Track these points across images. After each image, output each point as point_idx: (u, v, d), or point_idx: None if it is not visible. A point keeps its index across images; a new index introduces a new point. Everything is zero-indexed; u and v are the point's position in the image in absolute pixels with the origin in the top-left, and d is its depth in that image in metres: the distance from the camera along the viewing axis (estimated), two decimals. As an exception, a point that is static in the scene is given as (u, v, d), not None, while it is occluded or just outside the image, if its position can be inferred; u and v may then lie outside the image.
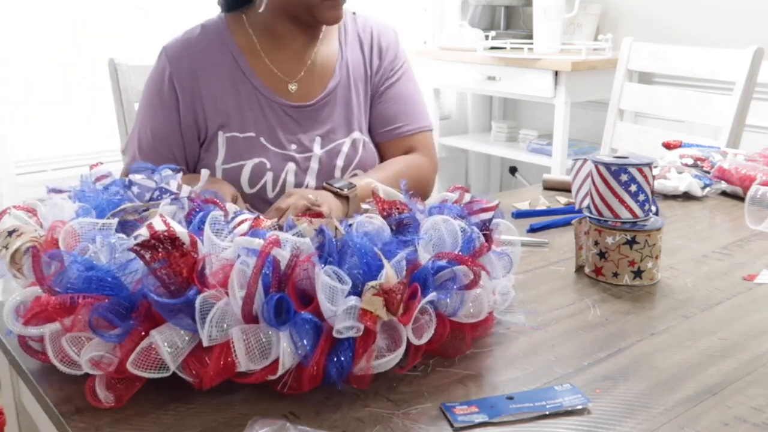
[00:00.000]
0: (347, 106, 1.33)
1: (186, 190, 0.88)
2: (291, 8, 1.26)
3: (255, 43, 1.31)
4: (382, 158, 1.38)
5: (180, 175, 0.92)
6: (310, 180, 1.28)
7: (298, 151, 1.28)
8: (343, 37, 1.37)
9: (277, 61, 1.32)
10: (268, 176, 1.26)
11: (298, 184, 1.27)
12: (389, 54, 1.39)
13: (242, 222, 0.75)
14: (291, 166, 1.27)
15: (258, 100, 1.28)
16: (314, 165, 1.29)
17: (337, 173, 1.30)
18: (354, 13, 1.41)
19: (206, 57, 1.29)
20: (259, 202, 1.26)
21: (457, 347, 0.75)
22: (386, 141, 1.37)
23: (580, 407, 0.65)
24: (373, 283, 0.65)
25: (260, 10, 1.27)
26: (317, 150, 1.29)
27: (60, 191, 0.86)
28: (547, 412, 0.65)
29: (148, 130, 1.28)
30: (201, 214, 0.75)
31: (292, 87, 1.31)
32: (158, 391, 0.66)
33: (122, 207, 0.80)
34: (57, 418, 0.65)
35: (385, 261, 0.66)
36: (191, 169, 1.30)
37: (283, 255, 0.65)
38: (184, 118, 1.27)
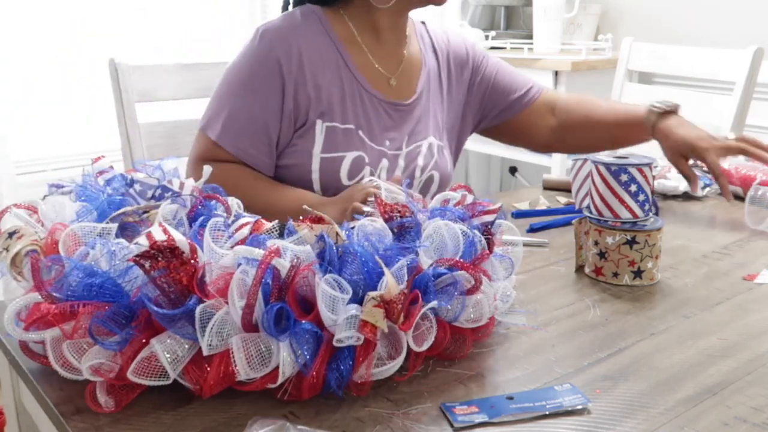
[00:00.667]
0: (428, 110, 1.36)
1: (188, 187, 0.88)
2: None
3: (356, 36, 1.30)
4: (528, 131, 1.43)
5: (179, 169, 0.92)
6: (397, 175, 1.29)
7: (390, 148, 1.29)
8: (421, 43, 1.40)
9: (377, 56, 1.33)
10: (366, 171, 1.26)
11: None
12: (470, 54, 1.44)
13: (243, 226, 0.75)
14: (384, 163, 1.28)
15: (360, 93, 1.28)
16: (401, 163, 1.31)
17: (417, 173, 1.32)
18: (423, 23, 1.44)
19: (311, 44, 1.26)
20: None
21: (456, 351, 0.75)
22: (523, 110, 1.42)
23: (580, 407, 0.65)
24: (373, 294, 0.65)
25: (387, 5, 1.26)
26: (404, 148, 1.31)
27: (61, 186, 0.86)
28: (547, 412, 0.65)
29: (244, 112, 1.23)
30: (202, 218, 0.75)
31: (393, 82, 1.33)
32: (158, 392, 0.66)
33: (122, 210, 0.80)
34: (57, 418, 0.65)
35: (386, 270, 0.66)
36: (279, 150, 1.26)
37: (283, 265, 0.65)
38: (287, 104, 1.23)
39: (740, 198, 1.29)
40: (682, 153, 1.25)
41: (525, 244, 1.10)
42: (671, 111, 1.31)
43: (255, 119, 1.23)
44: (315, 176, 1.23)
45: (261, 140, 1.23)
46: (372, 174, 1.26)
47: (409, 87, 1.35)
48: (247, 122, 1.23)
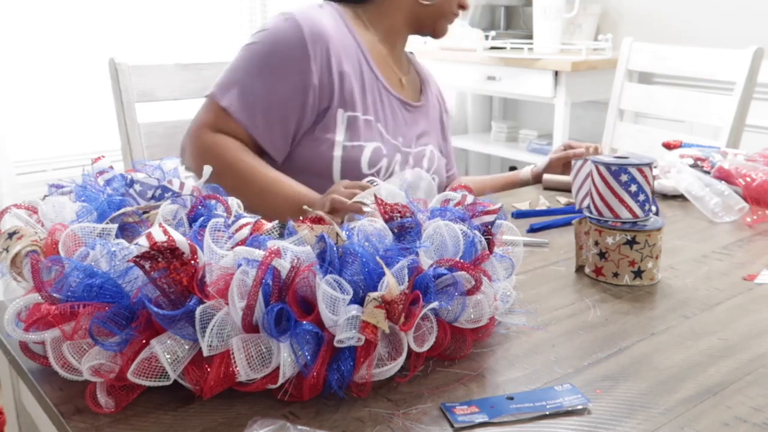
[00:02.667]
0: (430, 123, 1.43)
1: (188, 187, 0.88)
2: (420, 13, 1.35)
3: (372, 35, 1.35)
4: None
5: (179, 169, 0.92)
6: (408, 174, 1.31)
7: (403, 145, 1.33)
8: (419, 68, 1.50)
9: (391, 56, 1.38)
10: (383, 162, 1.28)
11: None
12: (445, 97, 1.57)
13: (243, 226, 0.75)
14: (398, 157, 1.31)
15: (378, 88, 1.31)
16: (411, 161, 1.34)
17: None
18: (411, 53, 1.53)
19: (335, 34, 1.27)
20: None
21: (457, 351, 0.75)
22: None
23: (580, 407, 0.65)
24: (374, 294, 0.65)
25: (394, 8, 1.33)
26: (413, 148, 1.36)
27: (61, 186, 0.86)
28: (547, 412, 0.65)
29: (261, 89, 1.21)
30: (202, 218, 0.75)
31: (404, 82, 1.39)
32: (158, 392, 0.66)
33: (122, 211, 0.80)
34: (57, 418, 0.65)
35: (386, 270, 0.66)
36: (297, 136, 1.25)
37: (283, 265, 0.65)
38: (312, 86, 1.22)
39: (742, 198, 1.29)
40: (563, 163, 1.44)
41: (525, 244, 1.10)
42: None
43: (272, 99, 1.21)
44: (336, 165, 1.23)
45: (275, 120, 1.21)
46: (388, 167, 1.28)
47: (415, 93, 1.42)
48: (264, 99, 1.21)
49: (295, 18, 1.24)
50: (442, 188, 1.48)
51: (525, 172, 1.51)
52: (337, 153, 1.23)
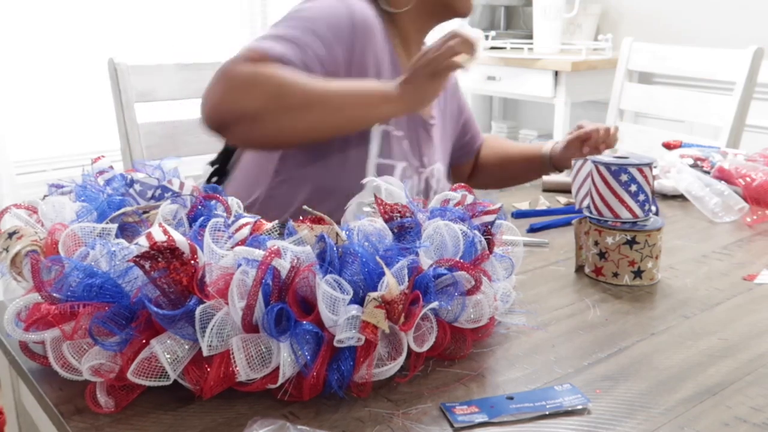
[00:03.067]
0: (440, 137, 1.34)
1: (188, 187, 0.88)
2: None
3: (399, 44, 1.22)
4: (456, 171, 1.48)
5: (179, 169, 0.92)
6: (418, 197, 1.23)
7: (421, 165, 1.25)
8: None
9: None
10: (408, 184, 1.15)
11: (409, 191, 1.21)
12: (460, 95, 1.46)
13: (243, 226, 0.75)
14: (415, 180, 1.23)
15: None
16: (422, 183, 1.26)
17: (431, 194, 1.27)
18: None
19: (372, 34, 1.14)
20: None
21: (457, 351, 0.75)
22: (472, 157, 1.49)
23: (580, 407, 0.65)
24: (374, 294, 0.65)
25: (405, 8, 1.20)
26: (426, 168, 1.27)
27: (61, 186, 0.86)
28: (547, 412, 0.65)
29: (311, 42, 1.07)
30: (202, 218, 0.75)
31: None
32: (158, 392, 0.66)
33: (122, 210, 0.80)
34: (57, 418, 0.65)
35: (386, 270, 0.66)
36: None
37: (283, 265, 0.65)
38: (352, 63, 1.11)
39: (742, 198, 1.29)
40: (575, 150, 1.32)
41: (525, 244, 1.09)
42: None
43: (313, 53, 1.07)
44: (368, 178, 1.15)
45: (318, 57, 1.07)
46: (409, 191, 1.15)
47: (429, 108, 1.29)
48: (310, 46, 1.07)
49: (348, 2, 1.12)
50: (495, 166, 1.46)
51: (547, 148, 1.39)
52: (371, 170, 1.11)
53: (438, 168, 1.33)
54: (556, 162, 1.39)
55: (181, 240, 0.65)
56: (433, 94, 1.06)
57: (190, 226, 0.83)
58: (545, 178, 1.46)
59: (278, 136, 1.04)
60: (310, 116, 1.01)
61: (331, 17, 1.10)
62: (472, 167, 1.51)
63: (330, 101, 1.03)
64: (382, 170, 1.16)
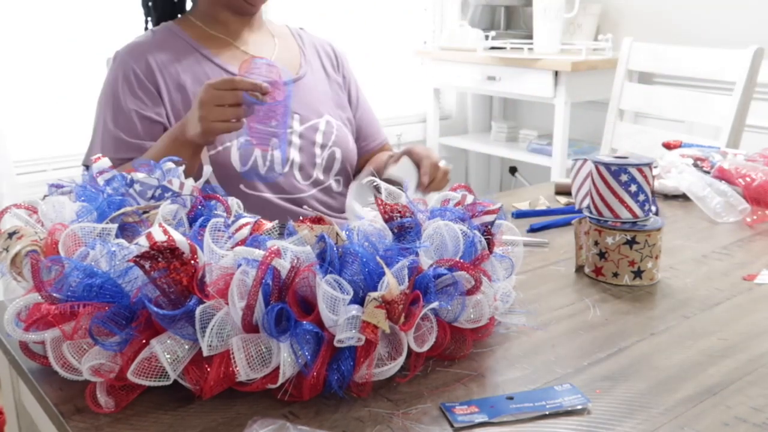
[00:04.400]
0: (315, 96, 1.40)
1: (188, 187, 0.88)
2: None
3: (210, 32, 1.35)
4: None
5: (182, 169, 0.92)
6: (295, 154, 1.32)
7: (278, 127, 1.29)
8: (300, 43, 1.46)
9: (245, 43, 1.37)
10: (257, 152, 1.28)
11: (285, 160, 1.30)
12: (347, 66, 1.53)
13: (243, 226, 0.75)
14: (274, 142, 1.27)
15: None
16: (296, 140, 1.33)
17: (317, 149, 1.35)
18: (302, 29, 1.51)
19: (165, 51, 1.31)
20: (254, 176, 1.29)
21: (457, 351, 0.75)
22: (364, 154, 1.50)
23: (580, 407, 0.65)
24: (375, 294, 0.65)
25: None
26: (297, 126, 1.33)
27: (61, 186, 0.86)
28: (547, 412, 0.65)
29: (117, 123, 1.27)
30: (202, 218, 0.75)
31: (273, 58, 1.36)
32: (158, 392, 0.66)
33: (122, 211, 0.80)
34: (57, 418, 0.65)
35: (387, 270, 0.66)
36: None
37: (283, 265, 0.65)
38: (158, 114, 1.28)
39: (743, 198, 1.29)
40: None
41: (525, 244, 1.09)
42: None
43: (131, 125, 1.26)
44: (212, 178, 1.23)
45: (129, 141, 1.26)
46: (264, 155, 1.28)
47: (288, 66, 1.38)
48: (124, 128, 1.26)
49: (119, 57, 1.31)
50: (360, 158, 1.47)
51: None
52: (207, 169, 1.13)
53: (327, 122, 1.37)
54: None
55: (181, 240, 0.65)
56: (206, 123, 1.12)
57: (190, 226, 0.83)
58: (557, 180, 1.45)
59: None
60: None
61: (117, 86, 1.29)
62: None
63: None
64: (217, 159, 1.25)
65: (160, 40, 1.33)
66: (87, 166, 1.29)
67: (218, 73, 1.31)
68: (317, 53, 1.47)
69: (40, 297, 0.66)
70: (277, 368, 0.64)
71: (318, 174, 1.35)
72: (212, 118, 1.09)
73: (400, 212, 0.76)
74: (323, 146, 1.35)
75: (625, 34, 2.34)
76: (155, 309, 0.63)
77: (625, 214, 0.95)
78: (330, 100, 1.43)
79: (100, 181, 0.87)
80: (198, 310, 0.63)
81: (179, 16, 1.43)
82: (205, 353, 0.63)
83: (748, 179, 1.31)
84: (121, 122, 1.27)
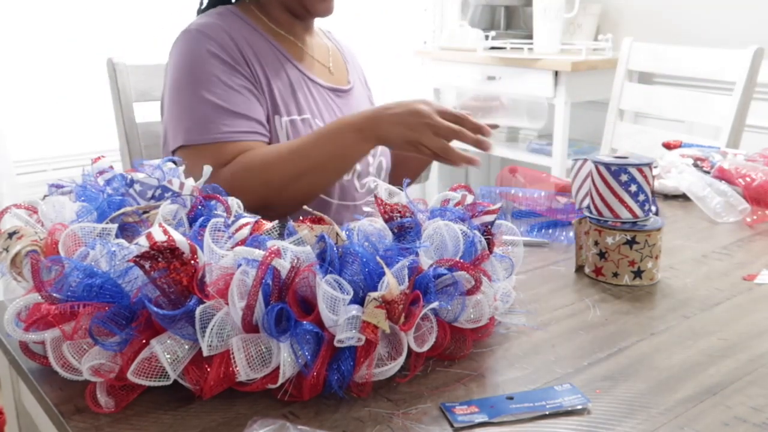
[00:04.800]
0: (361, 104, 1.38)
1: (188, 187, 0.88)
2: None
3: (274, 28, 1.28)
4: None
5: (182, 169, 0.92)
6: (356, 164, 1.27)
7: None
8: (339, 48, 1.44)
9: (306, 45, 1.32)
10: None
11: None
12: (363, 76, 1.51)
13: (243, 226, 0.75)
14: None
15: (305, 81, 1.26)
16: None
17: (370, 158, 1.32)
18: (329, 31, 1.49)
19: (242, 37, 1.20)
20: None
21: (457, 351, 0.75)
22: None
23: (580, 407, 0.65)
24: (375, 294, 0.65)
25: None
26: None
27: (61, 186, 0.86)
28: (547, 412, 0.65)
29: (204, 102, 1.12)
30: (202, 218, 0.75)
31: (332, 69, 1.34)
32: (158, 392, 0.66)
33: (122, 211, 0.80)
34: (57, 418, 0.65)
35: (387, 270, 0.66)
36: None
37: (283, 265, 0.65)
38: (257, 89, 1.17)
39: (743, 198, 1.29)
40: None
41: (525, 244, 1.09)
42: None
43: (225, 97, 1.12)
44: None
45: (242, 110, 1.14)
46: None
47: (343, 75, 1.37)
48: (216, 106, 1.13)
49: (193, 33, 1.18)
50: (393, 166, 1.45)
51: None
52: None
53: None
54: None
55: (181, 240, 0.65)
56: (399, 138, 1.07)
57: (190, 226, 0.83)
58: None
59: (296, 201, 1.10)
60: (305, 180, 1.08)
61: (198, 61, 1.15)
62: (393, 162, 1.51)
63: (313, 161, 1.09)
64: None
65: (232, 24, 1.21)
66: (174, 152, 1.15)
67: (294, 71, 1.24)
68: (351, 60, 1.45)
69: (40, 297, 0.66)
70: (277, 368, 0.64)
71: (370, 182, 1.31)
72: (415, 137, 1.02)
73: (400, 212, 0.76)
74: (374, 155, 1.33)
75: (625, 34, 2.34)
76: (155, 309, 0.63)
77: (625, 214, 0.95)
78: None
79: (100, 181, 0.87)
80: (198, 310, 0.63)
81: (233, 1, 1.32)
82: (205, 353, 0.63)
83: (748, 179, 1.31)
84: (222, 95, 1.13)
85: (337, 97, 1.32)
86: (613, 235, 0.94)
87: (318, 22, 1.41)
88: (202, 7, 1.33)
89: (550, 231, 1.15)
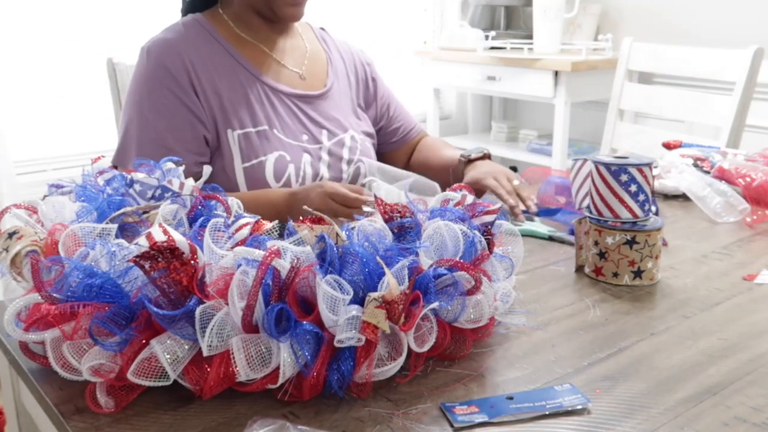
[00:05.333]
0: (340, 108, 1.37)
1: (188, 187, 0.88)
2: (252, 1, 1.26)
3: (242, 35, 1.29)
4: (388, 157, 1.49)
5: (182, 168, 0.92)
6: (324, 171, 1.29)
7: (309, 142, 1.28)
8: (326, 48, 1.42)
9: (276, 51, 1.32)
10: (291, 168, 1.24)
11: (315, 175, 1.28)
12: (374, 67, 1.50)
13: (243, 227, 0.75)
14: (306, 158, 1.27)
15: (264, 91, 1.26)
16: (325, 156, 1.30)
17: (344, 166, 1.32)
18: (323, 29, 1.47)
19: (199, 52, 1.23)
20: None
21: (457, 351, 0.75)
22: (401, 145, 1.51)
23: (580, 407, 0.65)
24: (375, 294, 0.65)
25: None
26: (326, 142, 1.31)
27: (61, 186, 0.86)
28: (547, 412, 0.65)
29: (151, 132, 1.18)
30: (202, 219, 0.75)
31: (303, 75, 1.32)
32: (158, 392, 0.66)
33: (122, 211, 0.80)
34: (57, 418, 0.65)
35: (387, 270, 0.66)
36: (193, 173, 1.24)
37: (283, 265, 0.65)
38: (198, 112, 1.20)
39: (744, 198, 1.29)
40: (476, 189, 1.25)
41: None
42: (477, 158, 1.39)
43: (163, 137, 1.18)
44: (242, 189, 1.21)
45: (188, 138, 1.19)
46: (297, 171, 1.25)
47: (318, 79, 1.35)
48: (156, 140, 1.18)
49: (154, 52, 1.22)
50: (399, 147, 1.48)
51: (459, 167, 1.39)
52: (240, 179, 1.16)
53: (351, 137, 1.35)
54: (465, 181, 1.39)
55: (181, 240, 0.65)
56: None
57: (190, 226, 0.83)
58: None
59: None
60: None
61: (151, 85, 1.20)
62: (407, 159, 1.51)
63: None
64: (251, 172, 1.22)
65: (193, 37, 1.25)
66: (116, 167, 1.19)
67: (252, 82, 1.25)
68: (342, 59, 1.42)
69: (40, 297, 0.66)
70: (277, 368, 0.64)
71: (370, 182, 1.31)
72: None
73: (400, 212, 0.76)
74: (349, 161, 1.33)
75: (625, 34, 2.33)
76: (155, 309, 0.63)
77: (625, 214, 0.95)
78: (351, 112, 1.40)
79: (100, 181, 0.87)
80: (198, 311, 0.63)
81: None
82: (205, 353, 0.63)
83: (748, 179, 1.31)
84: (162, 125, 1.19)
85: (306, 103, 1.30)
86: (613, 235, 0.94)
87: (312, 19, 1.42)
88: (182, 8, 1.35)
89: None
